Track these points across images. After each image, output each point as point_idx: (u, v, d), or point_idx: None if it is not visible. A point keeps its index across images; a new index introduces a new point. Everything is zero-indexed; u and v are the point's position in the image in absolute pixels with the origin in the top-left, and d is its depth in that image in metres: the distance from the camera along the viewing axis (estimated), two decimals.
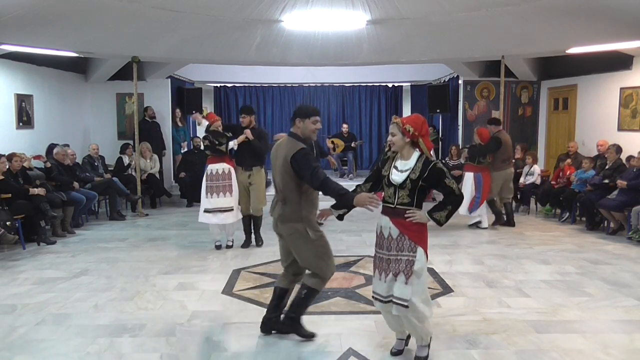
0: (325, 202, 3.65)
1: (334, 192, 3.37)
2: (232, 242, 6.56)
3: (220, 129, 6.34)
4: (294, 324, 3.76)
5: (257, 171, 6.33)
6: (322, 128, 14.49)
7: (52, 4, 5.90)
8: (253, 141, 6.17)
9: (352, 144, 12.21)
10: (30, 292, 4.87)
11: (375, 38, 7.93)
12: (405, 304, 3.19)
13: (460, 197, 3.24)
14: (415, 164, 3.22)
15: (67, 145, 8.35)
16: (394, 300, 3.24)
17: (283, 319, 3.80)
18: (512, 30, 7.43)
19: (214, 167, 6.23)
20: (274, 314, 3.82)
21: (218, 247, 6.48)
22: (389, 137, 3.37)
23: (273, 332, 3.83)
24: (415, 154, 3.27)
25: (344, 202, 3.41)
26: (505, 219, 7.82)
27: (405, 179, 3.21)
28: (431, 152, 3.28)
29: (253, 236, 6.64)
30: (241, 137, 6.17)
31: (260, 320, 3.86)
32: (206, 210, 6.24)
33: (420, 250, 3.25)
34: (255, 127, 6.33)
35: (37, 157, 7.56)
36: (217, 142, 6.23)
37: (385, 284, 3.28)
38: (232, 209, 6.27)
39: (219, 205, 6.21)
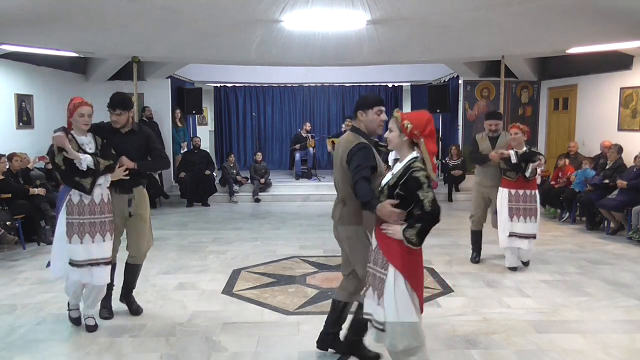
0: None
1: (360, 197, 2.89)
2: (95, 319, 4.01)
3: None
4: (358, 346, 3.41)
5: (139, 193, 4.14)
6: (322, 128, 14.27)
7: (52, 4, 5.89)
8: (139, 165, 4.05)
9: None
10: (30, 292, 4.87)
11: (375, 38, 7.92)
12: (380, 327, 2.78)
13: (430, 215, 2.64)
14: (402, 168, 2.75)
15: None
16: (372, 321, 2.87)
17: (344, 340, 3.42)
18: (512, 30, 7.42)
19: (85, 194, 3.77)
20: (333, 330, 3.41)
21: (77, 321, 3.99)
22: (386, 133, 2.91)
23: (331, 350, 3.47)
24: (411, 156, 2.77)
25: (369, 210, 2.87)
26: None
27: (385, 183, 2.81)
28: (434, 159, 2.77)
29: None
30: (118, 172, 3.90)
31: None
32: (74, 263, 3.75)
33: (391, 269, 2.73)
34: (135, 126, 4.15)
35: (42, 158, 7.55)
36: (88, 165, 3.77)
37: (371, 301, 2.89)
38: (110, 261, 3.93)
39: (99, 256, 3.80)
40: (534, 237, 5.35)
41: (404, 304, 2.72)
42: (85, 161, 3.71)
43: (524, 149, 5.24)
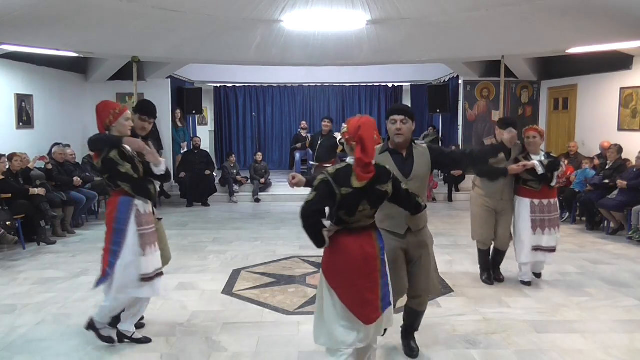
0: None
1: None
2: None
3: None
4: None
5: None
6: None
7: (52, 4, 5.89)
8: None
9: None
10: (30, 292, 4.87)
11: (375, 38, 7.92)
12: None
13: (301, 214, 2.68)
14: None
15: (68, 146, 8.35)
16: None
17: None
18: (512, 30, 7.42)
19: (145, 203, 3.62)
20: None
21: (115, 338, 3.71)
22: None
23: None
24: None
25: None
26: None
27: None
28: (359, 169, 2.65)
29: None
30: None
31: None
32: (147, 277, 3.56)
33: (322, 277, 2.85)
34: (150, 134, 4.06)
35: (42, 158, 7.55)
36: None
37: None
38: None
39: (159, 265, 3.70)
40: (554, 250, 4.93)
41: (326, 302, 2.80)
42: (165, 164, 3.61)
43: (541, 153, 4.83)
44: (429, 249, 3.34)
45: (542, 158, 4.77)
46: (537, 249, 4.84)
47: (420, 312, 3.47)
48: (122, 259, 3.49)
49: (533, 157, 4.77)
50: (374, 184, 2.70)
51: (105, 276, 3.51)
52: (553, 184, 4.82)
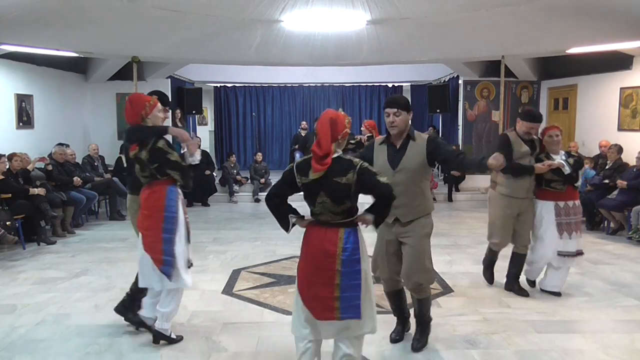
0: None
1: None
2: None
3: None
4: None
5: None
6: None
7: (52, 4, 5.90)
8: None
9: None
10: (30, 292, 4.86)
11: (375, 38, 7.93)
12: None
13: (265, 196, 2.98)
14: None
15: (68, 145, 8.35)
16: None
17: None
18: (512, 30, 7.43)
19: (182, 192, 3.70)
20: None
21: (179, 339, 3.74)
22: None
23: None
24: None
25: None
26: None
27: None
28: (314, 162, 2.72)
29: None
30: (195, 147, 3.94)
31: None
32: (191, 265, 3.74)
33: None
34: None
35: (42, 159, 7.55)
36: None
37: None
38: None
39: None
40: (582, 253, 4.63)
41: (296, 287, 2.91)
42: (200, 154, 3.70)
43: (561, 153, 4.55)
44: (419, 238, 3.37)
45: (564, 157, 4.51)
46: (562, 254, 4.53)
47: (419, 299, 3.52)
48: (178, 245, 3.49)
49: (554, 157, 4.51)
50: (331, 176, 2.71)
51: (167, 266, 3.44)
52: (578, 184, 4.54)
